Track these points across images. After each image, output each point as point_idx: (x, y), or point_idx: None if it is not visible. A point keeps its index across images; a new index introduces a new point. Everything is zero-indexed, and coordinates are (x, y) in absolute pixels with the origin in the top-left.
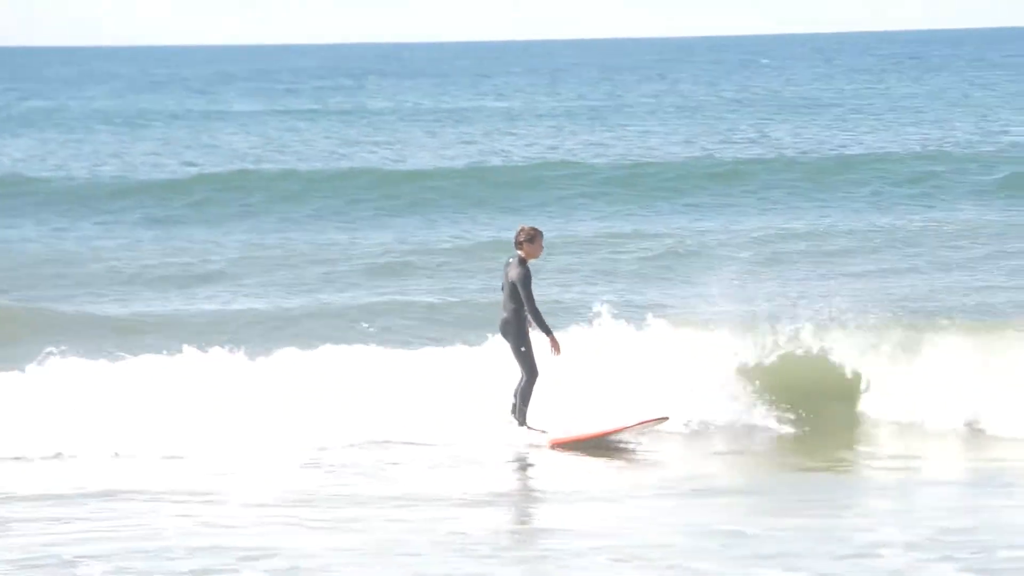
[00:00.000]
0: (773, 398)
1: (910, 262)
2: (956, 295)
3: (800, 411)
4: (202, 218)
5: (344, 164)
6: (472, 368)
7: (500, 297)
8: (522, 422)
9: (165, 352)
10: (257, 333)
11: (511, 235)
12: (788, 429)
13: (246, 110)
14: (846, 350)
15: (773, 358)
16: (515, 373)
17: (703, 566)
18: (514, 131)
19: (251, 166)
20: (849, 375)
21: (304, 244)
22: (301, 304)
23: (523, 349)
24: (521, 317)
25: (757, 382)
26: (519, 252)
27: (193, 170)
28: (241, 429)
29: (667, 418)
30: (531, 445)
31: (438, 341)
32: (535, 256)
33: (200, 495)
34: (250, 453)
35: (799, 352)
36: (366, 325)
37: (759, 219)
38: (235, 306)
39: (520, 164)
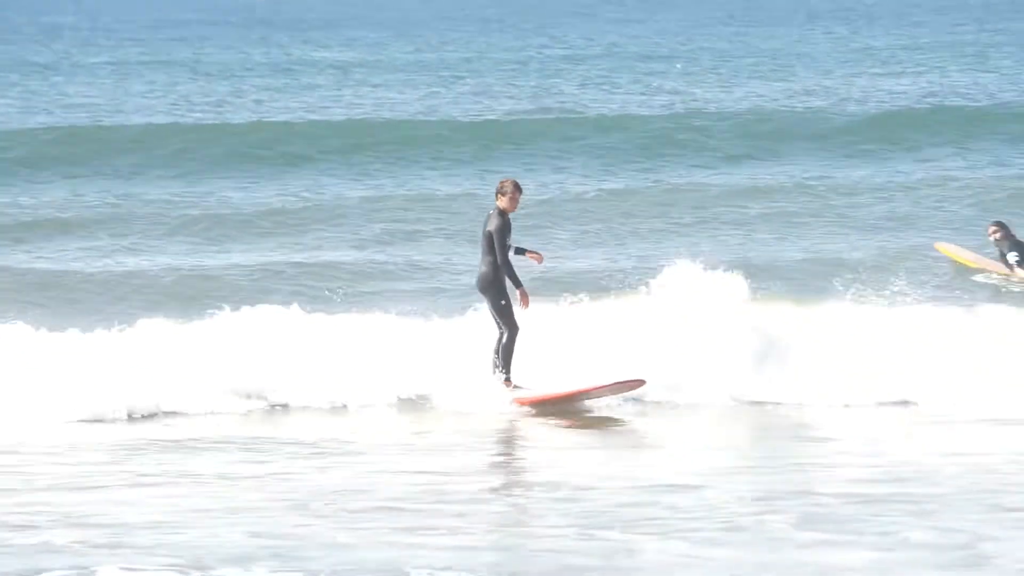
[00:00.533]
0: None
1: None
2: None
3: None
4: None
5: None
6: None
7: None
8: (507, 378)
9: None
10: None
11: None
12: None
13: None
14: None
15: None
16: (491, 331)
17: None
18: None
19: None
20: None
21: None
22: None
23: (503, 303)
24: (498, 270)
25: None
26: (498, 204)
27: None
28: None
29: (644, 382)
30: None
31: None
32: (512, 209)
33: None
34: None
35: None
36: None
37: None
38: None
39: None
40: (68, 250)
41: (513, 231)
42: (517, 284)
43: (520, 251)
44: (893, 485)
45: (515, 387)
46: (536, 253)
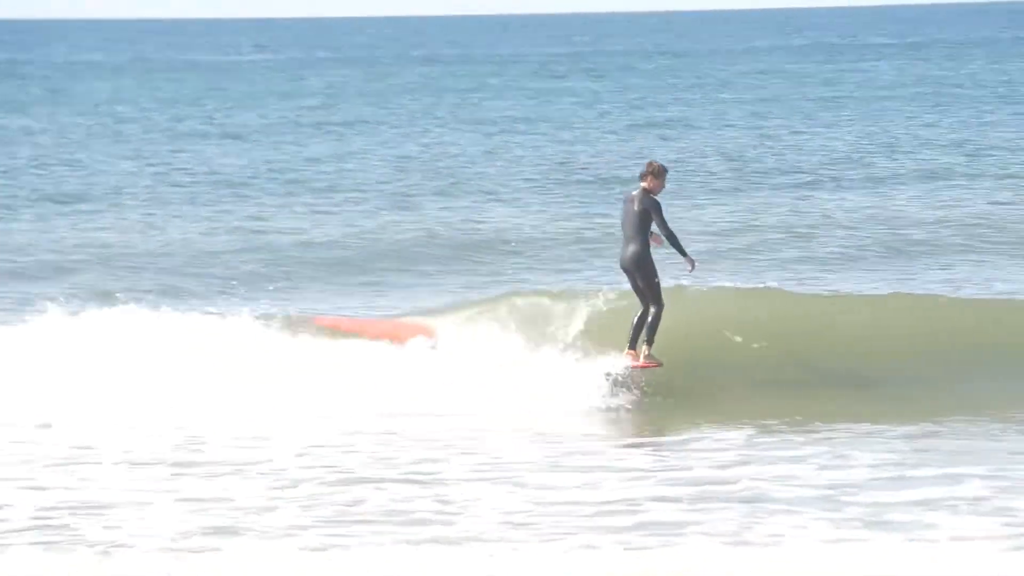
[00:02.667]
0: None
1: None
2: None
3: None
4: None
5: None
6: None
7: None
8: (649, 351)
9: None
10: None
11: None
12: None
13: None
14: None
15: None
16: (634, 305)
17: None
18: None
19: None
20: None
21: None
22: None
23: (656, 280)
24: (649, 249)
25: None
26: (643, 184)
27: None
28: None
29: (661, 364)
30: (641, 375)
31: None
32: (658, 191)
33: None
34: None
35: None
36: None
37: None
38: None
39: None
40: None
41: None
42: (684, 252)
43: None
44: None
45: (652, 357)
46: (693, 260)
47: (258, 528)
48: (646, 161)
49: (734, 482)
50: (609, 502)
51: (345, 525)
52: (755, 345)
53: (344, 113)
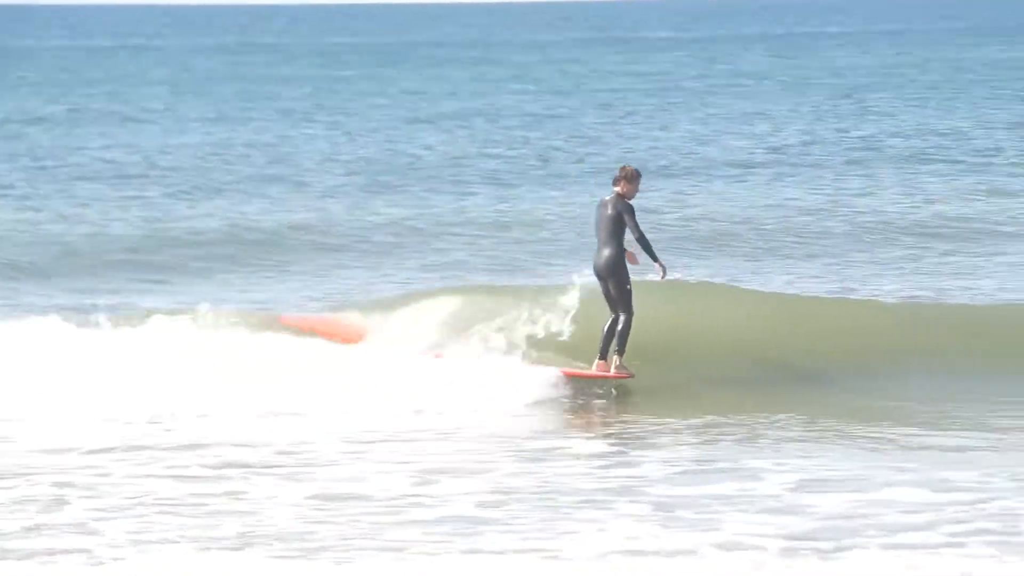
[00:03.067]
0: None
1: None
2: None
3: None
4: None
5: None
6: None
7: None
8: (620, 361)
9: None
10: None
11: None
12: None
13: None
14: None
15: None
16: (604, 313)
17: None
18: None
19: None
20: None
21: None
22: None
23: (628, 287)
24: (623, 254)
25: None
26: (616, 189)
27: None
28: None
29: (632, 375)
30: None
31: None
32: (632, 196)
33: None
34: None
35: None
36: None
37: None
38: None
39: None
40: None
41: None
42: (656, 258)
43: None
44: None
45: (623, 367)
46: (664, 267)
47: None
48: (619, 166)
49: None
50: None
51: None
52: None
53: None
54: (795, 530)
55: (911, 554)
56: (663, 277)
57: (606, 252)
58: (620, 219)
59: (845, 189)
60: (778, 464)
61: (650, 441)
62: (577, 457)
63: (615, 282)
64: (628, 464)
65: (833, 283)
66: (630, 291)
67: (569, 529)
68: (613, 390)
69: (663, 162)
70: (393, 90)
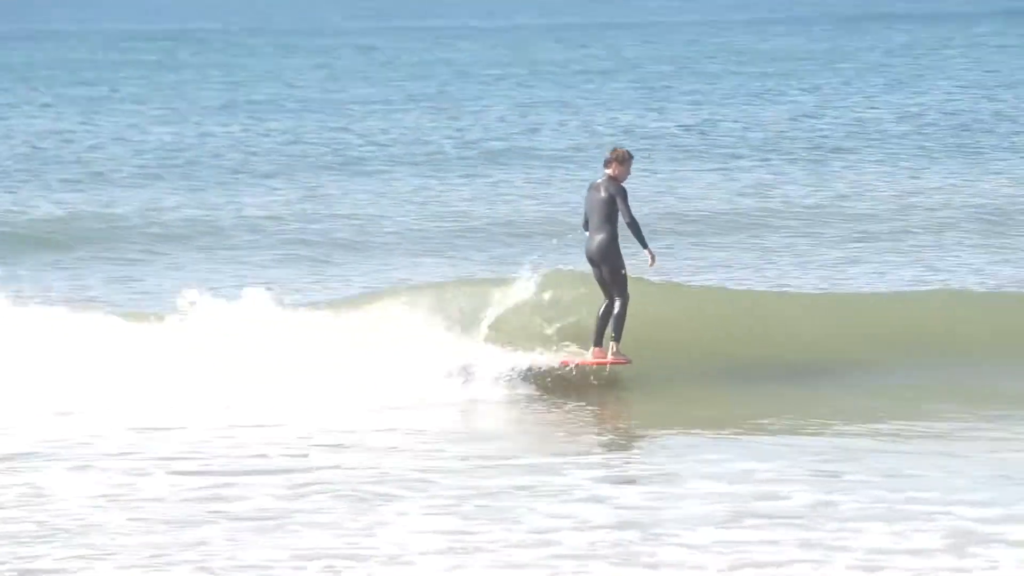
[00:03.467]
0: None
1: None
2: None
3: None
4: None
5: None
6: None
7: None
8: (617, 348)
9: None
10: None
11: None
12: None
13: None
14: None
15: None
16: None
17: None
18: None
19: None
20: None
21: None
22: None
23: (623, 272)
24: (617, 238)
25: None
26: (607, 171)
27: None
28: None
29: (630, 361)
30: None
31: None
32: (624, 178)
33: None
34: None
35: None
36: None
37: None
38: None
39: None
40: None
41: None
42: (646, 245)
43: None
44: None
45: (620, 353)
46: (653, 254)
47: None
48: (610, 148)
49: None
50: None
51: None
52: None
53: None
54: (596, 521)
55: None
56: (652, 265)
57: (599, 237)
58: (613, 202)
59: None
60: (586, 459)
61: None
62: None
63: (609, 267)
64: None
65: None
66: (625, 275)
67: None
68: (573, 370)
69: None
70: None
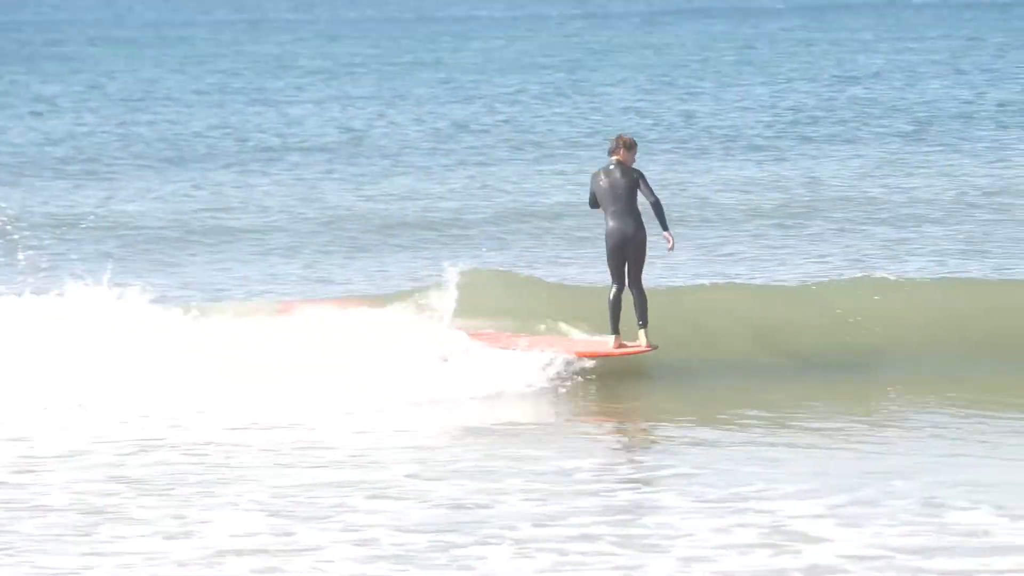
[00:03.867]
0: None
1: None
2: None
3: None
4: None
5: None
6: None
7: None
8: (646, 332)
9: None
10: None
11: None
12: None
13: None
14: None
15: None
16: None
17: None
18: None
19: None
20: None
21: None
22: None
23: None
24: (642, 226)
25: None
26: (615, 157)
27: None
28: None
29: (656, 347)
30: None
31: None
32: (631, 164)
33: None
34: None
35: None
36: None
37: None
38: None
39: None
40: None
41: None
42: (666, 226)
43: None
44: None
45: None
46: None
47: None
48: (615, 136)
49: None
50: None
51: None
52: None
53: None
54: (410, 520)
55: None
56: (671, 247)
57: (630, 221)
58: (635, 185)
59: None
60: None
61: None
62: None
63: (640, 253)
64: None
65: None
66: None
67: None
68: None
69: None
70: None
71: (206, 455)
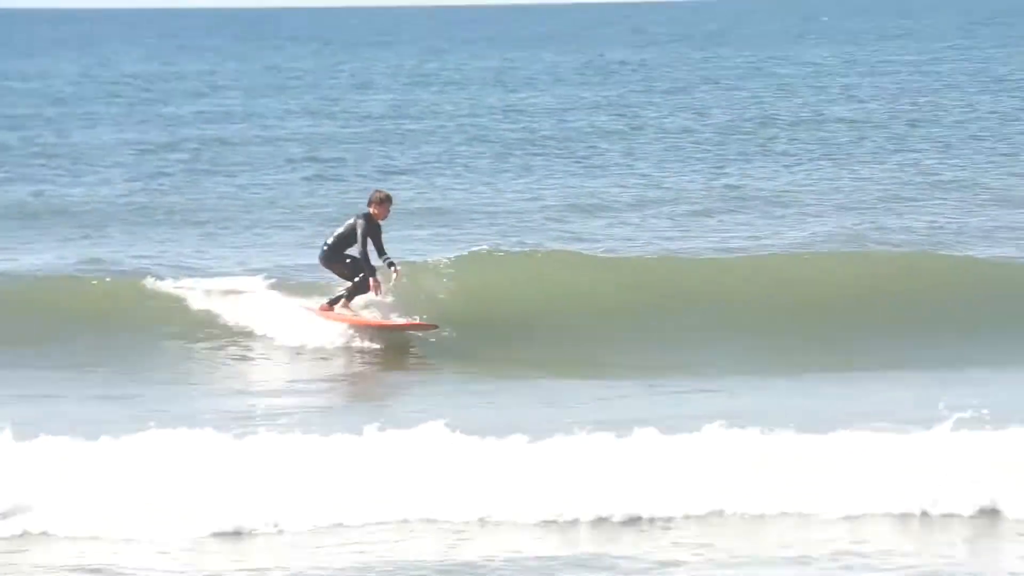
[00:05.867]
0: None
1: None
2: None
3: None
4: None
5: None
6: None
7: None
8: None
9: None
10: None
11: None
12: None
13: None
14: None
15: None
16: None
17: None
18: None
19: None
20: None
21: None
22: None
23: (356, 280)
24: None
25: None
26: (369, 210)
27: None
28: None
29: (436, 327)
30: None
31: None
32: (383, 217)
33: None
34: None
35: None
36: None
37: None
38: None
39: None
40: None
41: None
42: (371, 273)
43: (391, 264)
44: None
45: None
46: (377, 283)
47: None
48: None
49: None
50: None
51: None
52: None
53: None
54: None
55: None
56: (374, 292)
57: (332, 251)
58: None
59: None
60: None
61: None
62: None
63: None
64: None
65: None
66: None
67: None
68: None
69: None
70: None
71: None
